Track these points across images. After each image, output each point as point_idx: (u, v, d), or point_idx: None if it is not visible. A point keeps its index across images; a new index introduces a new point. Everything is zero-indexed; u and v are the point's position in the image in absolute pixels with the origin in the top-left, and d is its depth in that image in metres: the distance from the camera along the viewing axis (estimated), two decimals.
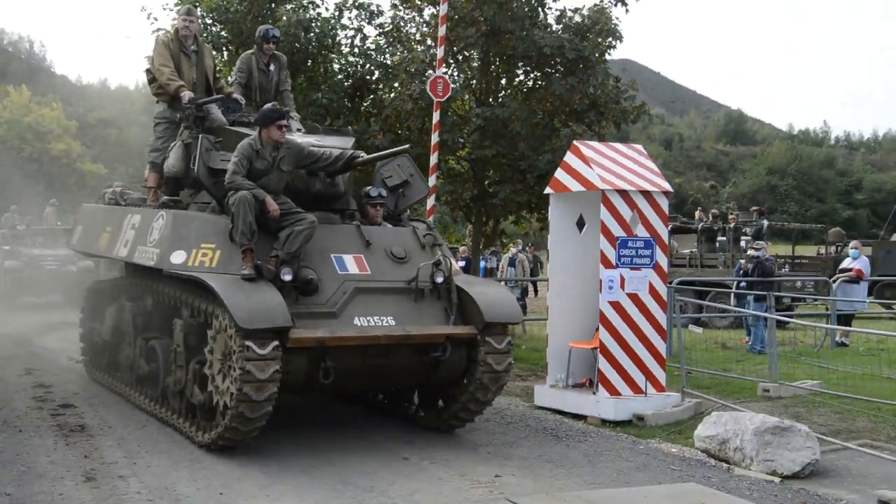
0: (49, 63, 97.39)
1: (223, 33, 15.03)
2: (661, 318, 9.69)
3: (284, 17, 14.64)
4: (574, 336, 10.01)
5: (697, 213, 24.48)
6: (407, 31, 16.38)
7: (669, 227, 11.25)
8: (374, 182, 9.10)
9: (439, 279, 7.94)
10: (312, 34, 15.16)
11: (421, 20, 16.34)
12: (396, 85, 15.53)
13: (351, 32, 15.99)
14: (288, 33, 14.12)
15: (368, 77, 15.92)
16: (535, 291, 25.48)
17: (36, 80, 63.32)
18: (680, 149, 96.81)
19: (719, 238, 20.90)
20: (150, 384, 9.06)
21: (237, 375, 6.80)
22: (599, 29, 15.42)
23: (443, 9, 13.01)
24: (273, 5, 15.19)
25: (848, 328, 14.57)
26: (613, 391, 9.34)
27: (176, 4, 15.30)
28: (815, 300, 18.36)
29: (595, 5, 15.73)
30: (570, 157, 9.94)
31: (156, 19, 15.74)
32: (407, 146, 9.36)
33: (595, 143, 10.42)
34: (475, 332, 7.80)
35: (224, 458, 7.32)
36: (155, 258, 8.18)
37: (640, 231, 9.58)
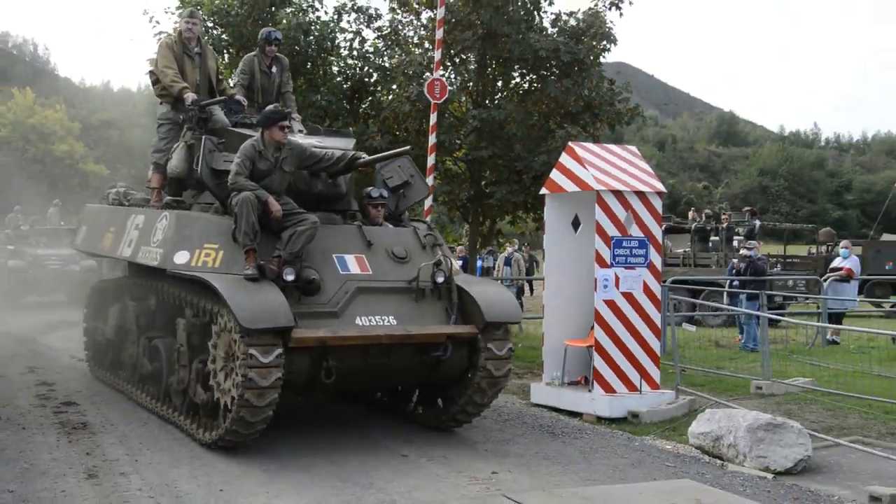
0: (53, 65, 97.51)
1: (224, 36, 15.00)
2: (656, 316, 9.68)
3: (284, 21, 14.61)
4: (570, 334, 10.01)
5: (691, 214, 24.53)
6: (405, 34, 16.35)
7: (663, 227, 11.26)
8: (374, 183, 9.05)
9: (440, 279, 7.89)
10: (312, 37, 15.14)
11: (418, 23, 16.33)
12: (394, 87, 15.51)
13: (350, 36, 15.98)
14: (288, 36, 14.08)
15: (367, 79, 15.90)
16: (531, 290, 25.50)
17: (40, 82, 63.21)
18: (673, 150, 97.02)
19: (712, 238, 20.90)
20: (153, 383, 9.03)
21: (239, 382, 6.75)
22: (594, 32, 15.41)
23: (440, 12, 12.99)
24: (273, 9, 15.16)
25: (839, 326, 14.57)
26: (608, 388, 9.32)
27: (177, 8, 15.28)
28: (807, 299, 18.36)
29: (590, 9, 15.73)
30: (565, 159, 9.93)
31: (158, 22, 15.72)
32: (408, 147, 9.32)
33: (590, 145, 10.40)
34: (476, 331, 7.75)
35: (224, 456, 7.30)
36: (158, 258, 8.14)
37: (635, 231, 9.57)
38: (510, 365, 8.04)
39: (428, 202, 12.36)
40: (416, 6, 16.05)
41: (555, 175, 10.03)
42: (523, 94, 15.87)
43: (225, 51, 15.16)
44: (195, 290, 7.77)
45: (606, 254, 9.37)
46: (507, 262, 22.65)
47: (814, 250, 24.12)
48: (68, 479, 6.68)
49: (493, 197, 15.09)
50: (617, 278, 9.41)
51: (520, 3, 15.19)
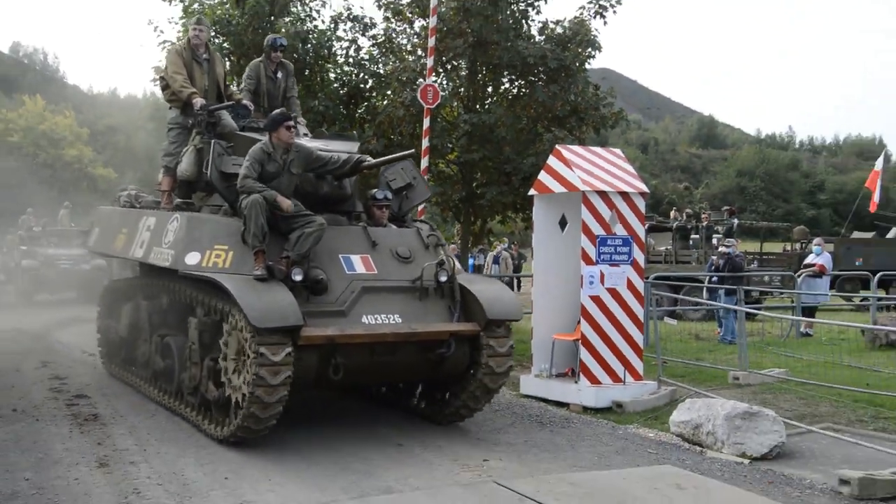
0: (62, 74, 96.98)
1: (225, 45, 14.98)
2: (639, 311, 9.71)
3: (283, 30, 14.58)
4: (557, 328, 10.03)
5: (672, 213, 24.54)
6: (398, 42, 16.34)
7: (646, 226, 11.29)
8: (378, 185, 8.98)
9: (443, 278, 7.79)
10: (309, 45, 15.11)
11: (412, 32, 16.31)
12: (389, 93, 15.50)
13: (346, 43, 15.95)
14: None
15: (362, 85, 15.88)
16: (519, 287, 25.52)
17: (50, 89, 62.88)
18: (656, 152, 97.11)
19: (693, 236, 20.93)
20: (165, 379, 8.95)
21: (250, 380, 6.69)
22: (580, 40, 15.42)
23: (432, 21, 13.00)
24: (273, 18, 15.14)
25: (812, 319, 14.62)
26: (594, 380, 9.36)
27: (181, 18, 15.26)
28: (782, 293, 18.41)
29: (575, 17, 15.73)
30: (552, 161, 9.95)
31: (162, 31, 15.66)
32: (412, 150, 9.22)
33: (576, 147, 10.42)
34: (478, 328, 7.67)
35: (229, 447, 7.30)
36: (170, 259, 8.04)
37: (619, 230, 9.60)
38: (511, 361, 7.97)
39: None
40: (410, 15, 16.04)
41: (543, 176, 10.05)
42: (512, 99, 15.88)
43: (226, 59, 15.14)
44: (206, 290, 7.70)
45: (592, 251, 9.40)
46: (496, 260, 22.71)
47: (788, 248, 24.13)
48: (81, 467, 6.69)
49: (484, 198, 15.09)
50: (602, 275, 9.44)
51: (508, 12, 15.20)
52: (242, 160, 7.70)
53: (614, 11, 15.71)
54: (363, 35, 16.06)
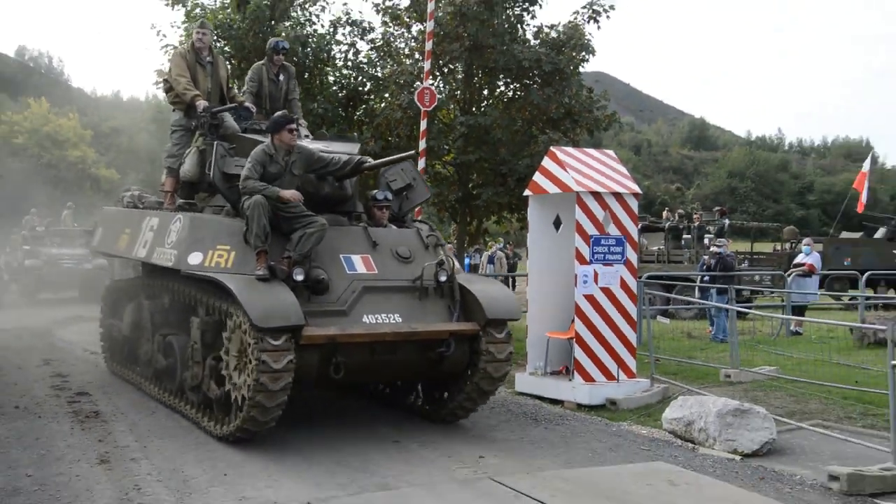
0: (66, 77, 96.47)
1: (226, 48, 14.94)
2: (632, 309, 9.70)
3: (283, 34, 14.53)
4: (551, 327, 10.01)
5: (665, 213, 24.49)
6: (396, 46, 16.32)
7: (639, 226, 11.27)
8: (378, 186, 8.93)
9: (443, 278, 7.73)
10: (309, 49, 15.08)
11: (409, 36, 16.30)
12: (387, 95, 15.48)
13: (345, 47, 15.91)
14: None
15: (361, 88, 15.85)
16: (513, 286, 25.50)
17: (54, 92, 62.66)
18: (648, 154, 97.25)
19: (685, 236, 20.92)
20: (167, 378, 8.89)
21: (253, 366, 6.63)
22: (574, 44, 15.41)
23: (429, 25, 12.99)
24: (273, 23, 15.10)
25: (801, 318, 14.64)
26: (588, 378, 9.34)
27: (183, 22, 15.22)
28: (772, 292, 18.42)
29: (569, 22, 15.73)
30: (547, 162, 9.93)
31: (164, 35, 15.62)
32: (413, 152, 9.17)
33: (570, 149, 10.40)
34: (477, 328, 7.61)
35: (228, 444, 7.27)
36: (173, 259, 7.97)
37: (612, 230, 9.58)
38: (508, 367, 7.93)
39: None
40: (407, 20, 16.03)
41: (537, 177, 10.04)
42: (508, 102, 15.86)
43: (227, 62, 15.10)
44: (208, 290, 7.65)
45: (586, 251, 9.38)
46: (491, 259, 22.68)
47: (778, 247, 24.13)
48: (82, 464, 6.66)
49: (480, 198, 15.08)
50: (596, 274, 9.42)
51: (504, 17, 15.20)
52: (245, 161, 7.65)
53: (608, 16, 15.72)
54: (362, 39, 16.06)
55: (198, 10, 15.20)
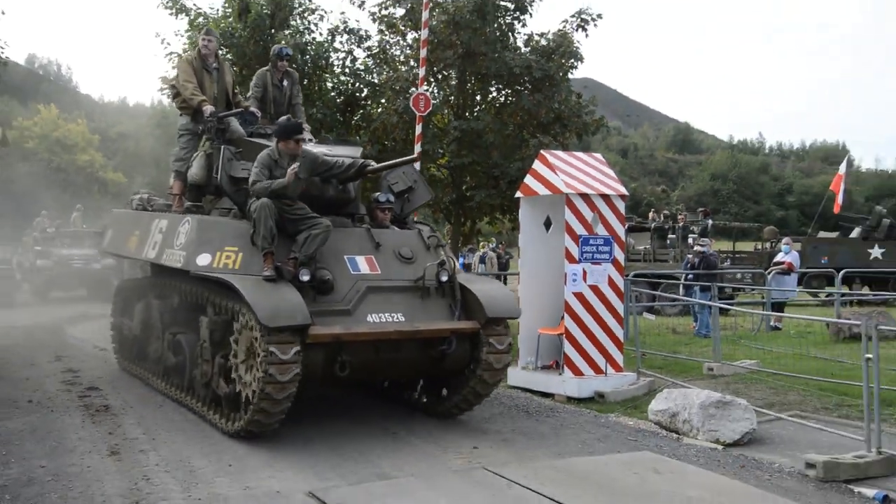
0: (75, 84, 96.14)
1: (228, 56, 14.93)
2: (619, 306, 9.73)
3: (283, 42, 14.54)
4: (542, 323, 10.03)
5: (651, 214, 24.56)
6: (392, 53, 16.32)
7: (626, 227, 11.29)
8: (381, 188, 8.88)
9: (444, 278, 7.68)
10: (308, 56, 15.08)
11: (405, 44, 16.29)
12: (383, 101, 15.49)
13: (342, 55, 15.92)
14: None
15: (358, 94, 15.87)
16: (505, 284, 25.49)
17: (63, 99, 62.44)
18: (635, 157, 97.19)
19: (670, 236, 20.94)
20: (176, 375, 8.83)
21: (260, 377, 6.59)
22: (563, 51, 15.44)
23: (424, 33, 13.00)
24: (273, 31, 15.10)
25: (781, 314, 14.66)
26: (577, 372, 9.37)
27: (186, 31, 15.20)
28: (753, 290, 18.46)
29: (559, 30, 15.76)
30: (537, 165, 9.96)
31: (168, 44, 15.55)
32: (415, 156, 9.07)
33: (559, 153, 10.43)
34: (478, 326, 7.56)
35: (233, 436, 7.27)
36: (182, 260, 7.89)
37: (600, 230, 9.61)
38: (509, 358, 7.88)
39: None
40: (403, 28, 16.03)
41: (528, 180, 10.06)
42: (499, 107, 15.89)
43: None
44: (217, 290, 7.60)
45: (575, 251, 9.41)
46: (482, 259, 22.71)
47: (759, 247, 24.14)
48: (93, 455, 6.67)
49: (473, 200, 15.10)
50: (584, 273, 9.45)
51: (496, 25, 15.22)
52: (250, 165, 7.62)
53: (595, 25, 15.76)
54: (359, 47, 16.06)
55: (200, 20, 15.19)
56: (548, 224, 10.30)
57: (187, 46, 14.71)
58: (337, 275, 7.30)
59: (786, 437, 7.61)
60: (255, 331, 6.74)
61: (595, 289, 9.51)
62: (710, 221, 21.45)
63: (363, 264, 7.57)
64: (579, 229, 9.44)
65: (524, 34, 15.89)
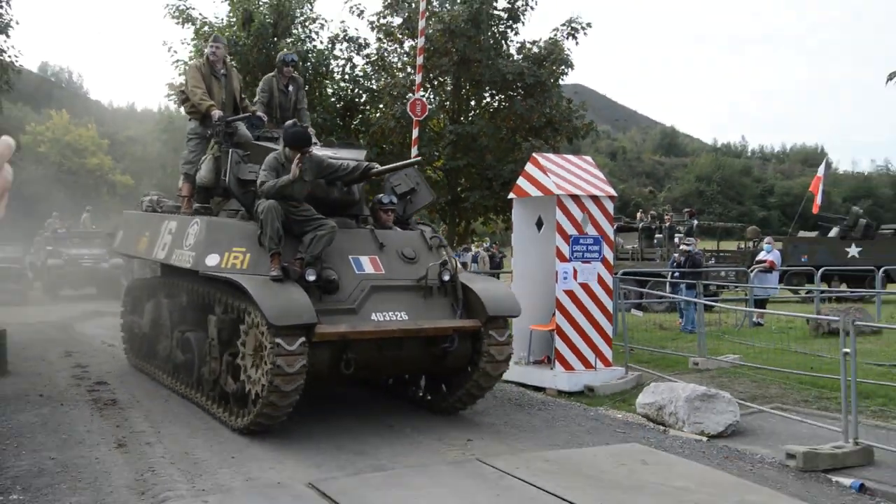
0: (86, 90, 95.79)
1: (233, 63, 14.89)
2: (608, 303, 9.72)
3: (285, 49, 14.51)
4: (534, 320, 10.01)
5: (638, 215, 24.53)
6: (390, 60, 16.32)
7: (615, 227, 11.29)
8: (384, 190, 8.83)
9: (446, 277, 7.62)
10: (309, 63, 15.07)
11: (402, 51, 16.29)
12: (381, 106, 15.50)
13: (342, 62, 15.96)
14: None
15: (357, 100, 15.87)
16: None
17: (74, 104, 62.28)
18: (623, 160, 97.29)
19: (657, 235, 20.93)
20: (185, 372, 8.76)
21: (268, 369, 6.52)
22: (554, 58, 15.45)
23: (420, 41, 12.98)
24: (276, 39, 15.09)
25: (763, 310, 14.68)
26: (568, 366, 9.36)
27: (192, 39, 15.17)
28: (736, 287, 18.46)
29: (550, 38, 15.76)
30: (529, 167, 9.94)
31: (175, 51, 15.51)
32: (418, 158, 9.02)
33: (551, 155, 10.42)
34: (479, 324, 7.50)
35: (236, 430, 7.23)
36: (191, 260, 7.81)
37: (590, 230, 9.60)
38: (510, 350, 7.83)
39: None
40: (400, 36, 16.03)
41: (521, 182, 10.04)
42: (493, 112, 15.89)
43: None
44: (225, 290, 7.52)
45: (566, 250, 9.40)
46: (475, 259, 22.70)
47: (742, 246, 24.17)
48: (101, 447, 6.65)
49: (468, 201, 15.11)
50: (575, 271, 9.44)
51: (489, 34, 15.22)
52: (257, 168, 7.56)
53: (585, 33, 15.78)
54: (358, 54, 16.07)
55: (206, 28, 15.16)
56: (539, 224, 10.29)
57: (193, 54, 14.67)
58: (342, 275, 7.24)
59: (767, 429, 7.60)
60: (262, 329, 6.66)
61: (585, 286, 9.50)
62: (695, 221, 21.46)
63: (367, 264, 7.52)
64: (570, 229, 9.43)
65: (517, 42, 15.93)
